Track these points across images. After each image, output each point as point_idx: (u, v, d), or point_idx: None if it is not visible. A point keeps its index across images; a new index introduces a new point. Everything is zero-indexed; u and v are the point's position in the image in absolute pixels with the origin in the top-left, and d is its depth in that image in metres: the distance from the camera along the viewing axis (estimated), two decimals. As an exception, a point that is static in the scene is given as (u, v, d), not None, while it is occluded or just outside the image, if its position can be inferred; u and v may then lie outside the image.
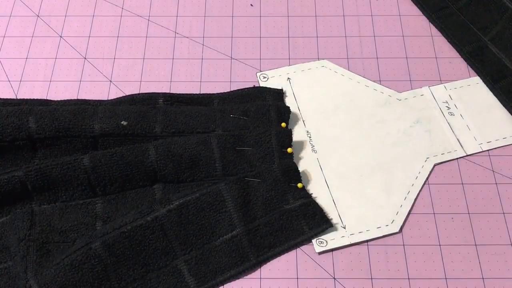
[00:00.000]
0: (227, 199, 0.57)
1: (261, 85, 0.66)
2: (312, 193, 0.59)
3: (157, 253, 0.54)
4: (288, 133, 0.61)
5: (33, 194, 0.57)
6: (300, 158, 0.61)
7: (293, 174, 0.59)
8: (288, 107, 0.64)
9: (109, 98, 0.66)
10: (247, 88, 0.66)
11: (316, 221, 0.57)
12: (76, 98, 0.66)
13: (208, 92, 0.66)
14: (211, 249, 0.55)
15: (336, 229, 0.57)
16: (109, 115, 0.60)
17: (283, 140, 0.60)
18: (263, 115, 0.62)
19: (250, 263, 0.55)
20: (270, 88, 0.66)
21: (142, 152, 0.58)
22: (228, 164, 0.59)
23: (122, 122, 0.60)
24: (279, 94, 0.65)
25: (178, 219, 0.55)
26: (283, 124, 0.62)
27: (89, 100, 0.65)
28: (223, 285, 0.54)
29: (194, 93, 0.66)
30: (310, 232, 0.56)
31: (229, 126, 0.61)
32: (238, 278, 0.55)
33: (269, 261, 0.56)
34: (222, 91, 0.66)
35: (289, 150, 0.60)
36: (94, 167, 0.57)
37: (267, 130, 0.61)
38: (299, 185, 0.59)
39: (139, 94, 0.65)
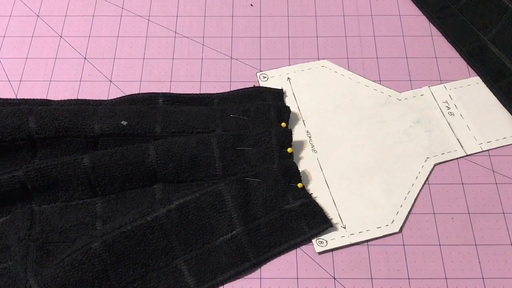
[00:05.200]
0: (227, 199, 0.57)
1: (261, 85, 0.66)
2: (312, 193, 0.59)
3: (157, 253, 0.54)
4: (288, 133, 0.61)
5: (33, 194, 0.57)
6: (300, 158, 0.61)
7: (293, 174, 0.59)
8: (288, 107, 0.64)
9: (109, 98, 0.66)
10: (247, 88, 0.66)
11: (316, 221, 0.57)
12: (76, 98, 0.66)
13: (208, 92, 0.66)
14: (211, 249, 0.55)
15: (336, 229, 0.57)
16: (109, 115, 0.60)
17: (283, 140, 0.60)
18: (263, 115, 0.62)
19: (250, 262, 0.55)
20: (270, 88, 0.66)
21: (142, 152, 0.58)
22: (228, 164, 0.59)
23: (122, 122, 0.60)
24: (279, 94, 0.65)
25: (178, 219, 0.55)
26: (283, 124, 0.62)
27: (89, 100, 0.65)
28: (223, 285, 0.54)
29: (194, 93, 0.66)
30: (310, 232, 0.56)
31: (229, 126, 0.61)
32: (238, 278, 0.55)
33: (269, 261, 0.56)
34: (222, 91, 0.66)
35: (289, 150, 0.60)
36: (94, 167, 0.57)
37: (267, 130, 0.61)
38: (299, 185, 0.58)
39: (139, 94, 0.65)
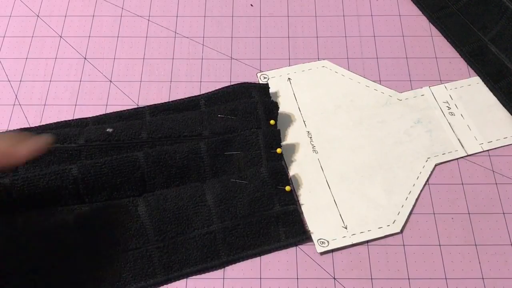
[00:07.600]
0: (208, 194, 0.56)
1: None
2: (310, 192, 0.59)
3: (129, 233, 0.55)
4: (276, 133, 0.60)
5: (17, 203, 0.56)
6: (301, 159, 0.61)
7: (281, 177, 0.58)
8: (276, 103, 0.63)
9: (109, 98, 0.65)
10: (232, 85, 0.65)
11: (294, 231, 0.57)
12: (76, 98, 0.66)
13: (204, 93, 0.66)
14: (184, 241, 0.55)
15: (337, 229, 0.57)
16: (95, 127, 0.60)
17: (271, 141, 0.60)
18: (250, 114, 0.61)
19: (220, 260, 0.55)
20: (255, 84, 0.65)
21: (132, 163, 0.57)
22: (217, 171, 0.59)
23: (107, 130, 0.59)
24: (265, 89, 0.65)
25: (155, 204, 0.56)
26: (272, 122, 0.61)
27: (71, 121, 0.63)
28: (188, 277, 0.54)
29: (180, 98, 0.65)
30: (286, 241, 0.56)
31: (217, 126, 0.60)
32: (205, 273, 0.55)
33: (239, 261, 0.56)
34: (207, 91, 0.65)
35: (278, 150, 0.60)
36: (83, 178, 0.56)
37: (254, 132, 0.60)
38: (287, 188, 0.58)
39: (125, 110, 0.64)
